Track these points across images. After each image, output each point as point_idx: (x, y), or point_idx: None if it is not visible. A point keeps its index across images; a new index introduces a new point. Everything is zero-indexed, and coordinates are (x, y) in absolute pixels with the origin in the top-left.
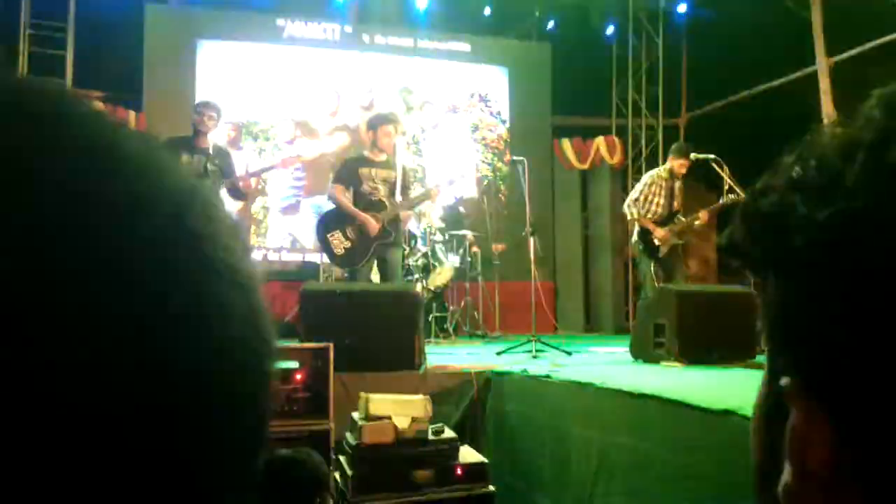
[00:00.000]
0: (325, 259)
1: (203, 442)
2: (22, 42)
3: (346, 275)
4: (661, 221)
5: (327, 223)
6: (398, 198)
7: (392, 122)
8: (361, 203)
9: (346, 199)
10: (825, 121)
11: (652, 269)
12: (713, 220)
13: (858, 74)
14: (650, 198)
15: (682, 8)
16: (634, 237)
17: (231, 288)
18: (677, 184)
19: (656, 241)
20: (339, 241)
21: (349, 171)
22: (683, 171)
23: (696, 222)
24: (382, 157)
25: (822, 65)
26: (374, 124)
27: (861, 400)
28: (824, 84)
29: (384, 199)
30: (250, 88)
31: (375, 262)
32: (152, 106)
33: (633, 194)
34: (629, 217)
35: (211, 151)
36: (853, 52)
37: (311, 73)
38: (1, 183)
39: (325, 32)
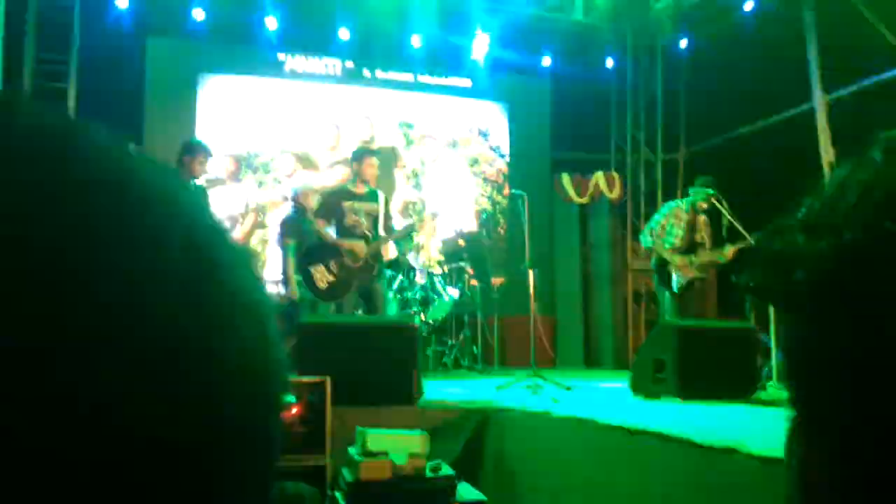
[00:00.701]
0: None
1: (213, 473)
2: (26, 75)
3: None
4: (680, 253)
5: (310, 257)
6: (381, 231)
7: (376, 155)
8: (345, 237)
9: (329, 232)
10: (823, 157)
11: (668, 299)
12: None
13: (856, 111)
14: (668, 228)
15: (683, 43)
16: (652, 267)
17: (243, 316)
18: (700, 218)
19: (673, 273)
20: (321, 275)
21: (331, 205)
22: (705, 205)
23: (721, 258)
24: (365, 190)
25: (819, 102)
26: (359, 156)
27: (859, 433)
28: (822, 121)
29: (367, 233)
30: (251, 122)
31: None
32: (153, 139)
33: (649, 223)
34: (644, 245)
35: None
36: (851, 89)
37: (312, 108)
38: (11, 216)
39: (326, 67)
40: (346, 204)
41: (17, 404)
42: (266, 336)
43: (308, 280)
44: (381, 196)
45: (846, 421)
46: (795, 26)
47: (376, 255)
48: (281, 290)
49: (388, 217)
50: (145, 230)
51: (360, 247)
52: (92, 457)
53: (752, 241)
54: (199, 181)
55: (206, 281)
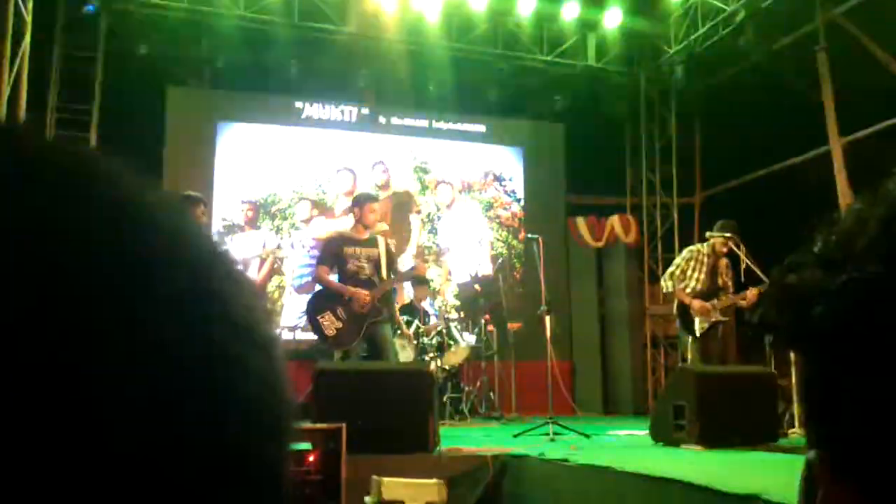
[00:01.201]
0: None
1: None
2: (49, 125)
3: (361, 355)
4: (701, 297)
5: (317, 305)
6: (384, 275)
7: (376, 200)
8: (348, 283)
9: (333, 278)
10: (841, 200)
11: (690, 344)
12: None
13: (874, 153)
14: (689, 273)
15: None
16: (674, 311)
17: (251, 348)
18: (722, 262)
19: (695, 318)
20: (329, 322)
21: (333, 251)
22: (725, 249)
23: (742, 301)
24: (366, 235)
25: (835, 145)
26: (360, 201)
27: (881, 476)
28: (838, 163)
29: (371, 278)
30: (268, 168)
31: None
32: (171, 186)
33: (670, 267)
34: (665, 290)
35: None
36: (867, 131)
37: (328, 154)
38: (23, 243)
39: (342, 114)
40: (348, 250)
41: (22, 439)
42: (273, 368)
43: (317, 329)
44: (382, 241)
45: (873, 463)
46: (810, 69)
47: (383, 300)
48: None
49: (391, 261)
50: (151, 256)
51: (364, 292)
52: (93, 488)
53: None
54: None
55: (213, 308)
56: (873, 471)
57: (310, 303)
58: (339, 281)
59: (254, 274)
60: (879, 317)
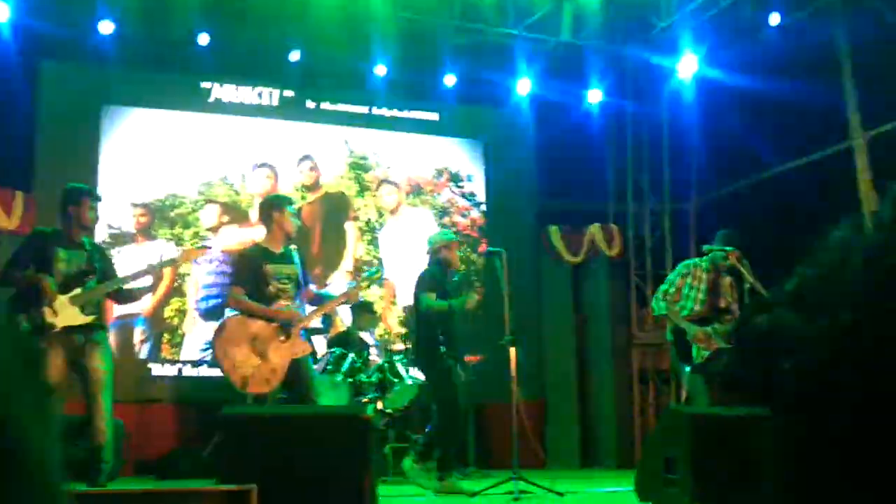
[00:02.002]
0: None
1: None
2: None
3: (279, 397)
4: (700, 321)
5: (226, 336)
6: (302, 297)
7: (292, 204)
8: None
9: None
10: (864, 204)
11: (687, 378)
12: None
13: None
14: (686, 291)
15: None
16: (668, 338)
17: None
18: (725, 279)
19: (693, 346)
20: (244, 358)
21: (252, 269)
22: (727, 264)
23: None
24: (282, 249)
25: (858, 139)
26: (277, 205)
27: None
28: (861, 162)
29: (292, 302)
30: (167, 164)
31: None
32: (45, 185)
33: (663, 286)
34: (655, 312)
35: (88, 247)
36: (891, 125)
37: (243, 147)
38: None
39: (260, 97)
40: (269, 268)
41: None
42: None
43: (229, 367)
44: (296, 254)
45: None
46: (827, 50)
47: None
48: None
49: (306, 281)
50: None
51: (300, 315)
52: None
53: None
54: (92, 234)
55: None
56: None
57: (217, 333)
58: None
59: (147, 296)
60: (854, 376)
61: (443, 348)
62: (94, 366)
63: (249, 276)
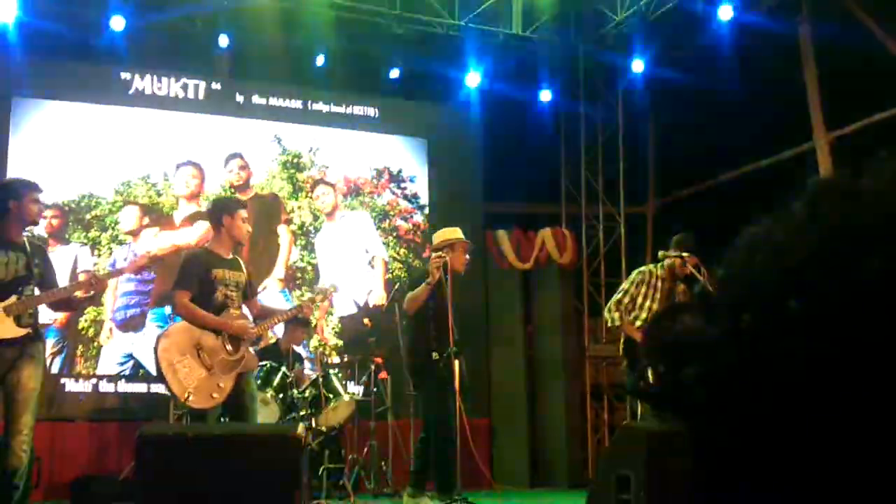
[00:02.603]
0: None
1: None
2: None
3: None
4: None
5: (171, 345)
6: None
7: (246, 207)
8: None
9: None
10: None
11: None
12: None
13: (865, 151)
14: (639, 300)
15: (643, 66)
16: (620, 352)
17: None
18: (679, 286)
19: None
20: (189, 370)
21: (197, 273)
22: (687, 269)
23: None
24: (230, 255)
25: (820, 140)
26: (229, 208)
27: None
28: (824, 164)
29: (241, 312)
30: (82, 162)
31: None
32: None
33: (616, 295)
34: (609, 323)
35: (29, 248)
36: (858, 124)
37: (166, 143)
38: None
39: (184, 90)
40: (217, 273)
41: None
42: None
43: (171, 380)
44: (242, 262)
45: None
46: (790, 46)
47: (253, 343)
48: None
49: (252, 293)
50: None
51: (252, 326)
52: None
53: None
54: (34, 237)
55: None
56: None
57: (162, 342)
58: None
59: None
60: (751, 384)
61: (436, 354)
62: (23, 382)
63: (194, 281)
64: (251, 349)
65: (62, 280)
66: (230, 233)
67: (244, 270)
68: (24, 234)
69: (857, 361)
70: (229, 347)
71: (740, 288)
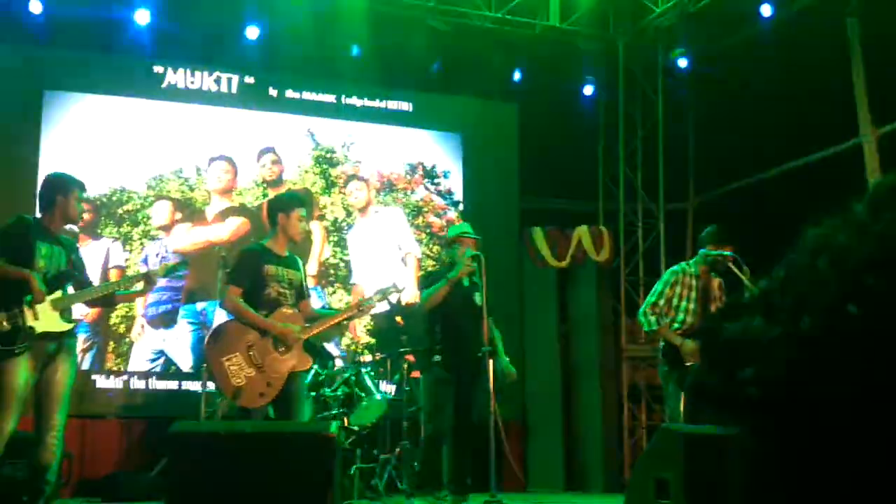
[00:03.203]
0: (211, 387)
1: None
2: None
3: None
4: (693, 333)
5: (221, 342)
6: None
7: (306, 205)
8: (267, 315)
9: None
10: None
11: (682, 399)
12: None
13: None
14: (675, 301)
15: (684, 62)
16: (659, 356)
17: None
18: (715, 282)
19: (687, 362)
20: (238, 368)
21: (251, 269)
22: (720, 265)
23: None
24: (286, 252)
25: (867, 136)
26: (285, 207)
27: None
28: (871, 161)
29: (294, 309)
30: (114, 156)
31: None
32: None
33: (650, 297)
34: (646, 328)
35: (65, 242)
36: None
37: (198, 137)
38: None
39: (217, 84)
40: (270, 269)
41: None
42: None
43: (220, 375)
44: (299, 260)
45: None
46: (836, 42)
47: (307, 342)
48: None
49: (308, 294)
50: None
51: (296, 331)
52: None
53: None
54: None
55: None
56: None
57: (212, 339)
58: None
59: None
60: (809, 390)
61: (437, 357)
62: (58, 378)
63: (248, 278)
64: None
65: (93, 275)
66: (285, 231)
67: (301, 269)
68: (67, 229)
69: None
70: (280, 347)
71: (801, 290)
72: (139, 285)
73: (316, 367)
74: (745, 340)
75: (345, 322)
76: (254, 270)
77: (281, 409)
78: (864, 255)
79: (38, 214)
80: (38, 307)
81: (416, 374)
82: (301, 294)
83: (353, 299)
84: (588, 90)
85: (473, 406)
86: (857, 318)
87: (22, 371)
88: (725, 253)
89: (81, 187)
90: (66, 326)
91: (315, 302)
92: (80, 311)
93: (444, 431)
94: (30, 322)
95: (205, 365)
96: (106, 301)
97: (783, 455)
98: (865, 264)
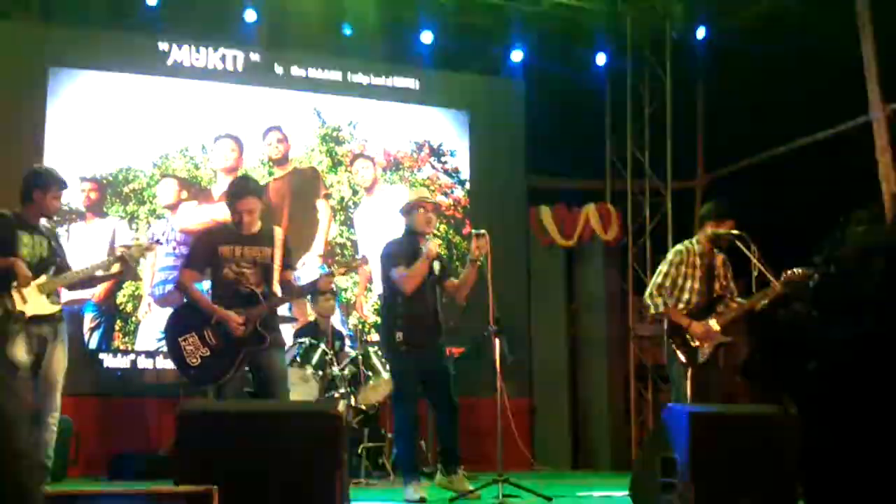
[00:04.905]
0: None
1: None
2: None
3: (246, 390)
4: (699, 313)
5: (180, 323)
6: (275, 285)
7: (256, 194)
8: (224, 295)
9: (199, 288)
10: (883, 184)
11: (689, 379)
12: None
13: None
14: (680, 282)
15: (700, 33)
16: (665, 336)
17: None
18: (718, 259)
19: (693, 342)
20: (193, 348)
21: (204, 251)
22: (723, 241)
23: (764, 300)
24: (255, 229)
25: (878, 113)
26: (237, 194)
27: None
28: (881, 139)
29: (256, 289)
30: (120, 134)
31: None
32: None
33: (656, 278)
34: (653, 310)
35: (46, 232)
36: None
37: (204, 115)
38: None
39: (223, 61)
40: (225, 249)
41: None
42: None
43: (176, 356)
44: (279, 234)
45: None
46: (846, 17)
47: (268, 322)
48: None
49: (287, 265)
50: None
51: (237, 318)
52: None
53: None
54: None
55: None
56: None
57: (171, 320)
58: (213, 291)
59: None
60: (874, 383)
61: (399, 335)
62: (56, 362)
63: (202, 259)
64: (290, 326)
65: (100, 254)
66: (234, 217)
67: (274, 245)
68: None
69: None
70: (227, 328)
71: (859, 289)
72: (116, 267)
73: (322, 346)
74: (801, 332)
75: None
76: (206, 251)
77: (262, 386)
78: None
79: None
80: (25, 291)
81: None
82: (269, 271)
83: (360, 279)
84: (601, 59)
85: (450, 379)
86: None
87: (19, 352)
88: (734, 232)
89: (61, 185)
90: (54, 309)
91: (315, 274)
92: (90, 292)
93: (415, 417)
94: (19, 307)
95: (166, 346)
96: (85, 284)
97: (836, 439)
98: None
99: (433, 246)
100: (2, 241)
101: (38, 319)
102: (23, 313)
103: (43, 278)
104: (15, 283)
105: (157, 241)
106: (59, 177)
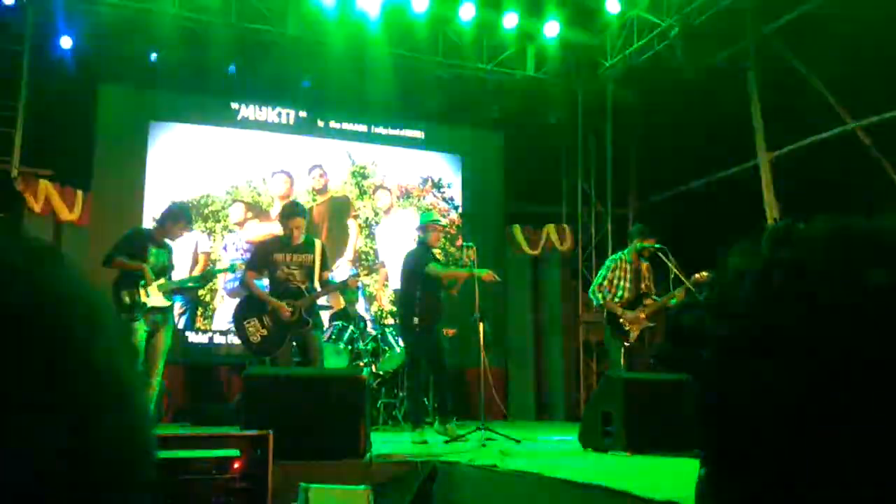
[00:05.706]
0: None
1: None
2: None
3: (295, 360)
4: (629, 305)
5: (245, 310)
6: (316, 283)
7: (302, 215)
8: (277, 290)
9: (259, 285)
10: (767, 212)
11: (623, 354)
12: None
13: (799, 168)
14: (615, 282)
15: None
16: (605, 322)
17: (109, 395)
18: (643, 266)
19: (626, 327)
20: (255, 329)
21: (263, 257)
22: (647, 252)
23: (673, 300)
24: (300, 240)
25: (762, 159)
26: (287, 215)
27: (760, 476)
28: (766, 177)
29: (301, 286)
30: (202, 170)
31: (297, 347)
32: (101, 185)
33: (597, 279)
34: (595, 303)
35: (166, 247)
36: (793, 146)
37: (264, 156)
38: None
39: (279, 117)
40: (278, 256)
41: None
42: (131, 413)
43: (242, 335)
44: (318, 245)
45: (747, 470)
46: (740, 88)
47: (310, 309)
48: None
49: (324, 267)
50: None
51: (286, 307)
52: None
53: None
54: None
55: (72, 354)
56: (749, 478)
57: (238, 308)
58: (270, 287)
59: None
60: (750, 367)
61: (416, 319)
62: (161, 339)
63: (261, 263)
64: (328, 312)
65: (186, 258)
66: (286, 229)
67: (314, 252)
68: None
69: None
70: (278, 315)
71: (735, 302)
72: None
73: (351, 327)
74: (701, 332)
75: (349, 289)
76: (264, 257)
77: (304, 357)
78: (775, 284)
79: (152, 225)
80: (149, 289)
81: None
82: (311, 272)
83: (378, 277)
84: (557, 117)
85: (444, 352)
86: (758, 327)
87: (140, 332)
88: (656, 245)
89: (188, 222)
90: (167, 303)
91: (346, 275)
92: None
93: (423, 381)
94: (143, 299)
95: (233, 326)
96: (185, 291)
97: (720, 402)
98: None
99: (485, 274)
100: (139, 250)
101: (155, 309)
102: (145, 304)
103: (162, 280)
104: (142, 282)
105: (233, 267)
106: (189, 216)
